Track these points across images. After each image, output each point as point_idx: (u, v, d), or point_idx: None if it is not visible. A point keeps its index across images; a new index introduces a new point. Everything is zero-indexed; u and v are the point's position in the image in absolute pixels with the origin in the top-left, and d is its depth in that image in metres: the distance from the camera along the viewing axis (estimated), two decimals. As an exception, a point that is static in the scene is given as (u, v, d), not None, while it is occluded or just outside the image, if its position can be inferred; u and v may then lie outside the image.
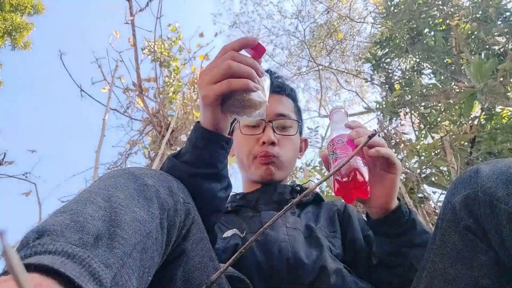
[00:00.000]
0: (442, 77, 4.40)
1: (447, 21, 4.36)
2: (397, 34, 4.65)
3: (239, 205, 0.99)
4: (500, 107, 3.29)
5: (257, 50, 0.68)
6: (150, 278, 0.49)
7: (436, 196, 3.17)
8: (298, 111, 1.10)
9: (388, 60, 4.86)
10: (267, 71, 1.07)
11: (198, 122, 0.71)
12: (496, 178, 0.51)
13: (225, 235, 0.86)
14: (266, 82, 0.70)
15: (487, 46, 3.97)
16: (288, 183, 1.07)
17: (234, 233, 0.86)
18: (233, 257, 0.48)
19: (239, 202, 1.00)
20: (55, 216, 0.43)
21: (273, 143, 0.97)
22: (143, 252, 0.46)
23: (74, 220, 0.42)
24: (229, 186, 0.75)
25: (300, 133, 1.11)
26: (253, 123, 1.00)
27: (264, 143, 0.97)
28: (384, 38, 4.82)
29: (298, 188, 1.01)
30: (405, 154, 2.77)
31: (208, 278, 0.59)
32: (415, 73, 4.74)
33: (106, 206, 0.47)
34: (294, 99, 1.10)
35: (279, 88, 1.05)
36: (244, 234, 0.85)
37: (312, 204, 1.00)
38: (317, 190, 1.04)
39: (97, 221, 0.43)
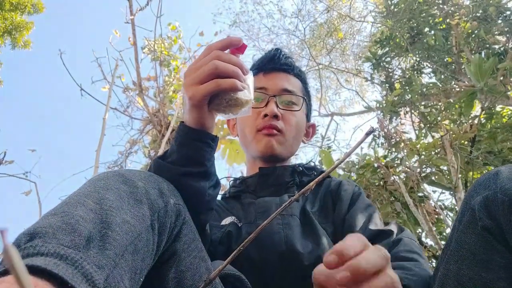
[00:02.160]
0: (442, 76, 4.39)
1: (447, 20, 4.36)
2: (397, 33, 4.64)
3: (239, 190, 0.97)
4: (500, 106, 3.28)
5: (240, 49, 0.69)
6: (142, 279, 0.49)
7: (436, 195, 3.17)
8: (307, 93, 1.06)
9: (388, 59, 4.86)
10: (277, 49, 1.05)
11: (182, 122, 0.70)
12: None
13: (223, 222, 0.85)
14: (250, 79, 0.71)
15: (487, 45, 3.97)
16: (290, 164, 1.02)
17: (231, 221, 0.85)
18: (231, 255, 0.48)
19: (239, 187, 0.98)
20: (46, 218, 0.43)
21: (276, 116, 0.93)
22: (135, 254, 0.46)
23: (66, 222, 0.42)
24: (217, 184, 0.75)
25: (308, 117, 1.08)
26: (256, 97, 0.97)
27: (266, 115, 0.93)
28: (384, 37, 4.81)
29: (300, 169, 0.97)
30: (405, 153, 2.77)
31: (200, 278, 0.59)
32: (415, 72, 4.73)
33: (97, 209, 0.47)
34: (303, 80, 1.06)
35: (287, 66, 1.02)
36: (241, 224, 0.84)
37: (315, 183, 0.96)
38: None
39: (88, 223, 0.44)
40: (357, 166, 3.16)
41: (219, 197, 1.02)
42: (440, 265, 0.60)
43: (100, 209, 0.47)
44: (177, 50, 3.66)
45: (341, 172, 2.92)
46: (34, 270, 0.35)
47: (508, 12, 3.94)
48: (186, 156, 0.68)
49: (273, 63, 1.02)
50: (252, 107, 0.95)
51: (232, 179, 1.06)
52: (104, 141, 2.25)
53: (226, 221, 0.85)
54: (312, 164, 1.05)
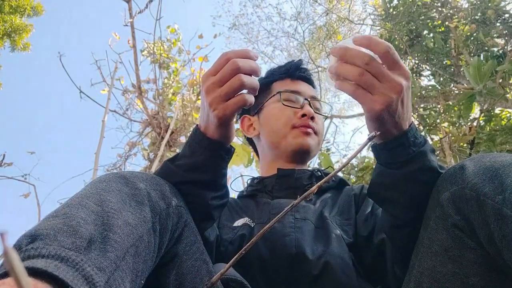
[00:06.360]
0: (441, 79, 4.40)
1: (446, 23, 4.37)
2: (396, 36, 4.65)
3: (255, 189, 0.97)
4: (499, 108, 3.29)
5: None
6: (143, 282, 0.49)
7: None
8: None
9: (387, 61, 4.85)
10: (300, 60, 1.11)
11: (197, 127, 0.69)
12: (482, 174, 0.51)
13: (235, 223, 0.85)
14: None
15: (486, 48, 3.98)
16: (309, 168, 1.04)
17: (244, 223, 0.84)
18: (233, 259, 0.48)
19: (256, 187, 0.98)
20: (48, 220, 0.44)
21: (312, 118, 0.97)
22: (136, 256, 0.47)
23: (67, 224, 0.42)
24: (225, 196, 0.74)
25: None
26: (292, 98, 1.00)
27: (303, 115, 0.96)
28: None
29: (319, 174, 0.97)
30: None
31: (201, 281, 0.59)
32: (414, 74, 4.74)
33: (98, 210, 0.47)
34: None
35: (310, 77, 1.09)
36: (254, 224, 0.84)
37: (334, 189, 0.97)
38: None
39: (90, 225, 0.44)
40: (356, 169, 3.16)
41: (235, 196, 1.04)
42: (415, 262, 0.61)
43: (101, 211, 0.47)
44: (176, 52, 3.66)
45: (340, 174, 2.92)
46: (35, 272, 0.35)
47: (507, 15, 3.95)
48: (195, 163, 0.67)
49: (300, 71, 1.06)
50: (289, 106, 0.99)
51: (250, 178, 1.06)
52: (103, 144, 2.25)
53: (239, 223, 0.85)
54: (331, 170, 1.06)
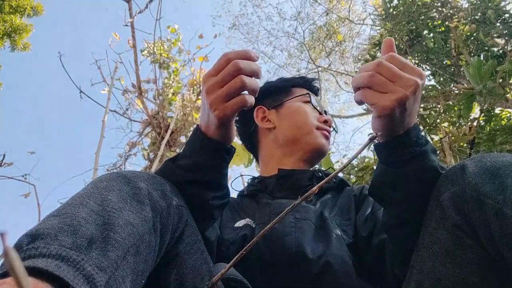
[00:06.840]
0: (441, 79, 4.40)
1: (446, 23, 4.37)
2: (396, 36, 4.65)
3: (256, 189, 0.97)
4: (499, 108, 3.29)
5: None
6: (143, 281, 0.49)
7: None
8: None
9: (387, 61, 4.85)
10: (314, 78, 1.17)
11: (198, 126, 0.69)
12: (482, 174, 0.51)
13: (237, 224, 0.85)
14: None
15: (486, 48, 3.98)
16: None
17: (246, 223, 0.84)
18: (234, 259, 0.48)
19: (256, 186, 0.98)
20: (48, 219, 0.44)
21: (330, 126, 1.05)
22: (137, 255, 0.47)
23: (68, 223, 0.43)
24: (225, 196, 0.74)
25: None
26: (314, 103, 1.06)
27: (326, 121, 1.03)
28: (383, 40, 4.81)
29: (319, 174, 0.98)
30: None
31: (202, 280, 0.59)
32: (414, 74, 4.72)
33: (99, 210, 0.47)
34: None
35: (318, 93, 1.15)
36: (255, 225, 0.84)
37: (334, 190, 0.98)
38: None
39: (91, 225, 0.44)
40: (356, 169, 3.16)
41: (235, 195, 1.04)
42: (415, 262, 0.61)
43: (102, 211, 0.47)
44: (176, 52, 3.66)
45: (340, 174, 2.91)
46: (35, 272, 0.35)
47: (507, 15, 3.95)
48: (196, 163, 0.67)
49: (315, 87, 1.14)
50: (316, 109, 1.06)
51: (250, 178, 1.07)
52: (103, 144, 2.25)
53: (240, 223, 0.85)
54: (332, 171, 1.09)
